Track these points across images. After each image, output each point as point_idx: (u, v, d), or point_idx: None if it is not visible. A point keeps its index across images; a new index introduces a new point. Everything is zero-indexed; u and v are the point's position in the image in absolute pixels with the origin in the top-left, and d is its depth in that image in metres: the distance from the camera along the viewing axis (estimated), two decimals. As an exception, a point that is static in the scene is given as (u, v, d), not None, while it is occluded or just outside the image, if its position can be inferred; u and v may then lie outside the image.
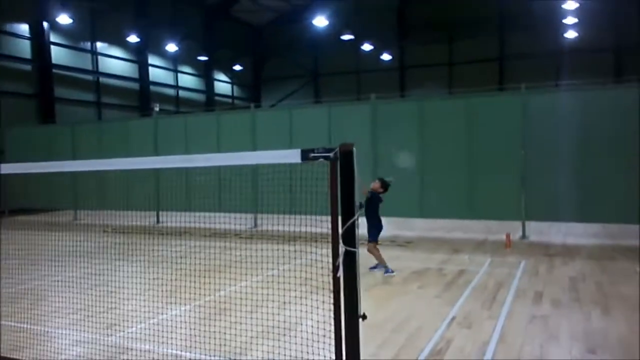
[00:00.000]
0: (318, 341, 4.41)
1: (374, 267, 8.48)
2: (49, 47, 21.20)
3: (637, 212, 10.08)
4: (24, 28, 20.60)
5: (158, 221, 15.53)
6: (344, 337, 2.36)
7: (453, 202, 11.57)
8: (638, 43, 24.77)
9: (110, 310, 6.67)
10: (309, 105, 17.88)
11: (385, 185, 8.42)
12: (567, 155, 10.73)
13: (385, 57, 31.15)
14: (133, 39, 25.44)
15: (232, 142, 14.08)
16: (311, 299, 6.67)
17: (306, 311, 6.10)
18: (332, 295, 2.83)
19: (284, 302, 6.40)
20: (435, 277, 7.94)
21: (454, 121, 11.64)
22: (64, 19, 21.49)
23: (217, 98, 32.80)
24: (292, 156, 2.22)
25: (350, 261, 2.34)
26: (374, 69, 31.33)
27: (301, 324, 5.64)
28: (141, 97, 26.46)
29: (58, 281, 8.27)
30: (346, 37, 26.85)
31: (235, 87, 35.62)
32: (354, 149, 2.23)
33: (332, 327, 2.68)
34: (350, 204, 2.24)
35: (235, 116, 15.00)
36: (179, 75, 30.05)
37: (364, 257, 8.96)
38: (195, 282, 8.06)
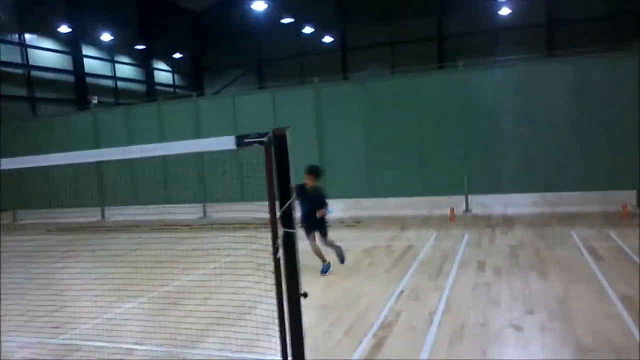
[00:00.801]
0: (273, 322, 4.49)
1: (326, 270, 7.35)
2: (-27, 41, 20.04)
3: (574, 180, 10.68)
4: (-58, 21, 19.36)
5: (103, 217, 15.14)
6: (287, 315, 2.43)
7: (400, 180, 11.86)
8: (569, 17, 25.89)
9: (60, 310, 6.50)
10: (252, 92, 17.73)
11: (320, 171, 7.37)
12: (507, 128, 11.20)
13: (327, 39, 31.17)
14: (64, 29, 24.38)
15: (175, 132, 13.83)
16: (266, 283, 6.76)
17: (261, 295, 6.17)
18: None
19: (240, 288, 6.44)
20: (384, 254, 8.16)
21: (398, 101, 11.87)
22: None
23: (158, 88, 31.97)
24: (227, 143, 2.26)
25: (289, 242, 2.41)
26: (317, 52, 31.32)
27: (256, 308, 5.71)
28: (77, 89, 25.44)
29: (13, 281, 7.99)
30: (286, 20, 26.68)
31: (176, 76, 34.80)
32: (287, 132, 2.29)
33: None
34: (286, 186, 2.30)
35: (178, 105, 14.71)
36: (116, 65, 29.05)
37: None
38: (148, 274, 7.94)
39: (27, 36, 23.09)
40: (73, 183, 15.00)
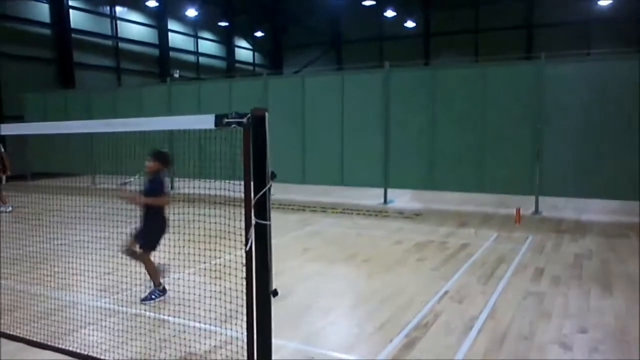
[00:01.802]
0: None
1: (149, 298, 5.73)
2: (68, 11, 21.20)
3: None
4: (42, -9, 20.62)
5: (172, 187, 15.62)
6: (254, 315, 2.25)
7: (465, 174, 11.31)
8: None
9: (111, 273, 6.74)
10: (321, 73, 17.57)
11: (164, 159, 5.91)
12: (587, 128, 10.34)
13: (409, 24, 30.33)
14: (152, 3, 25.27)
15: (244, 110, 13.94)
16: (310, 268, 6.66)
17: (300, 278, 6.10)
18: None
19: (282, 270, 6.39)
20: (436, 250, 7.81)
21: (469, 90, 11.27)
22: (82, -18, 21.47)
23: (238, 65, 32.57)
24: (206, 121, 2.11)
25: (262, 234, 2.22)
26: (397, 37, 30.61)
27: (294, 293, 5.61)
28: (161, 63, 26.41)
29: (63, 244, 8.42)
30: (368, 2, 26.17)
31: (256, 54, 35.28)
32: (267, 113, 2.10)
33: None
34: (262, 172, 2.10)
35: (248, 83, 14.83)
36: (199, 41, 29.84)
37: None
38: (203, 246, 8.12)
39: (118, 9, 24.14)
40: (143, 151, 15.54)
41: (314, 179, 13.22)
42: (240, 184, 2.71)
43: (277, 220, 9.93)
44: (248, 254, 2.22)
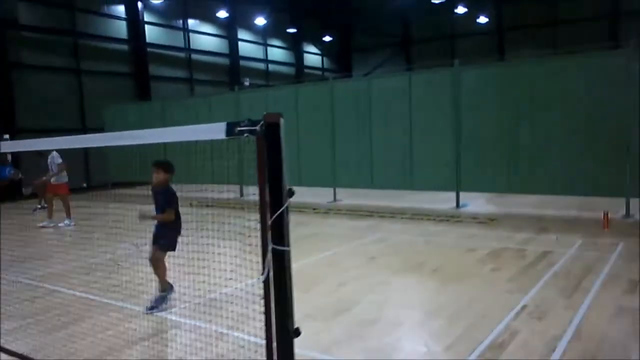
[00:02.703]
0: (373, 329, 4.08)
1: (154, 307, 5.71)
2: (144, 27, 22.09)
3: None
4: (120, 9, 21.58)
5: (242, 194, 15.77)
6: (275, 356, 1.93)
7: (546, 175, 10.49)
8: None
9: (174, 283, 6.75)
10: (387, 74, 17.13)
11: (169, 168, 5.98)
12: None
13: (482, 19, 29.15)
14: (223, 14, 25.87)
15: (311, 115, 13.84)
16: (373, 277, 6.31)
17: (364, 291, 5.78)
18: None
19: (344, 281, 6.13)
20: (514, 259, 7.21)
21: (549, 86, 10.46)
22: (156, -2, 22.31)
23: (306, 71, 32.69)
24: (217, 131, 1.85)
25: (280, 262, 1.90)
26: (470, 33, 29.52)
27: (357, 305, 5.32)
28: (231, 72, 26.96)
29: (131, 255, 8.57)
30: (437, 0, 25.40)
31: (325, 58, 35.30)
32: (282, 119, 1.80)
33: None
34: (278, 189, 1.80)
35: (314, 87, 14.67)
36: (268, 48, 30.23)
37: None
38: (256, 257, 8.01)
39: (190, 22, 24.89)
40: (214, 160, 15.81)
41: (382, 183, 12.83)
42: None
43: (343, 227, 9.74)
44: (266, 284, 1.92)
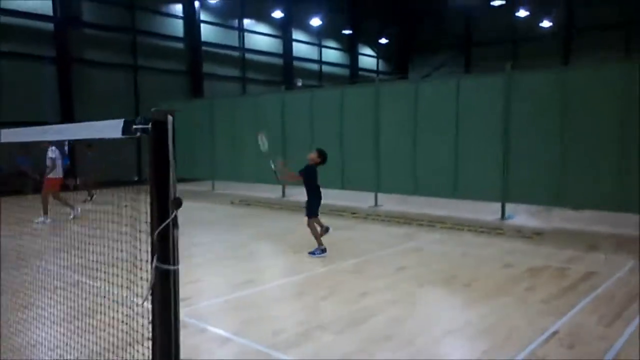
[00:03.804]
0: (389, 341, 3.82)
1: (313, 252, 7.82)
2: (199, 26, 22.51)
3: None
4: (178, 8, 22.08)
5: (284, 195, 15.71)
6: None
7: (599, 188, 9.76)
8: None
9: (196, 282, 6.70)
10: (435, 78, 16.60)
11: (322, 156, 7.94)
12: None
13: (545, 23, 27.92)
14: (278, 14, 26.01)
15: (356, 117, 13.58)
16: (400, 290, 6.00)
17: (385, 302, 5.49)
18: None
19: (367, 291, 5.88)
20: (553, 278, 6.70)
21: (606, 93, 9.74)
22: (213, -2, 22.68)
23: (361, 72, 32.41)
24: (113, 129, 1.65)
25: (164, 283, 1.63)
26: (532, 37, 28.32)
27: (374, 317, 5.05)
28: (284, 72, 27.07)
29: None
30: (497, 3, 24.51)
31: (380, 61, 34.90)
32: (170, 117, 1.57)
33: None
34: (164, 197, 1.55)
35: (361, 90, 14.38)
36: (323, 49, 30.17)
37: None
38: (292, 258, 7.87)
39: (246, 21, 25.17)
40: (259, 159, 15.85)
41: (425, 190, 12.38)
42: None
43: (379, 234, 9.42)
44: (153, 310, 1.66)
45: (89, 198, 14.90)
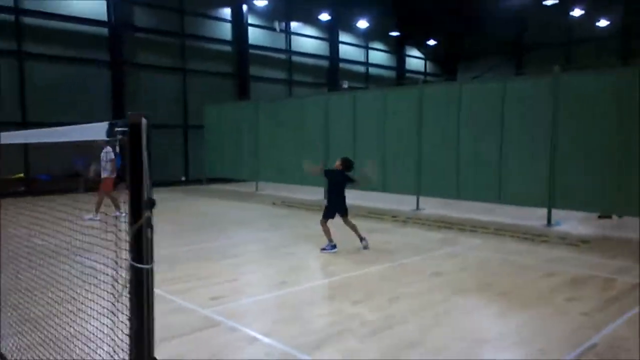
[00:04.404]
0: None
1: (324, 248, 8.39)
2: (247, 29, 22.87)
3: None
4: (226, 12, 22.52)
5: (325, 197, 15.70)
6: None
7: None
8: None
9: (234, 281, 6.81)
10: (480, 80, 16.23)
11: (345, 163, 8.53)
12: None
13: (602, 23, 26.80)
14: (325, 17, 26.10)
15: (398, 119, 13.45)
16: (435, 295, 5.89)
17: (418, 307, 5.40)
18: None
19: (395, 296, 5.80)
20: (597, 289, 6.40)
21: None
22: (260, 1, 22.97)
23: (408, 75, 32.09)
24: (98, 131, 1.68)
25: (139, 282, 1.64)
26: (588, 38, 27.26)
27: (403, 324, 4.97)
28: (330, 74, 27.13)
29: (202, 249, 8.81)
30: (550, 2, 23.72)
31: (428, 63, 34.45)
32: (145, 120, 1.57)
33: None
34: (137, 197, 1.56)
35: (403, 92, 14.22)
36: (370, 51, 30.06)
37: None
38: (327, 260, 7.88)
39: (293, 24, 25.39)
40: (301, 160, 15.94)
41: (469, 194, 12.13)
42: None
43: (417, 238, 9.30)
44: (134, 307, 1.67)
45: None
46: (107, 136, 1.68)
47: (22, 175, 16.49)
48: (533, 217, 11.23)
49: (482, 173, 11.70)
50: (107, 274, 2.60)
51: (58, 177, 15.23)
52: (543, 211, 10.91)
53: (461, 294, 6.16)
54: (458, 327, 5.12)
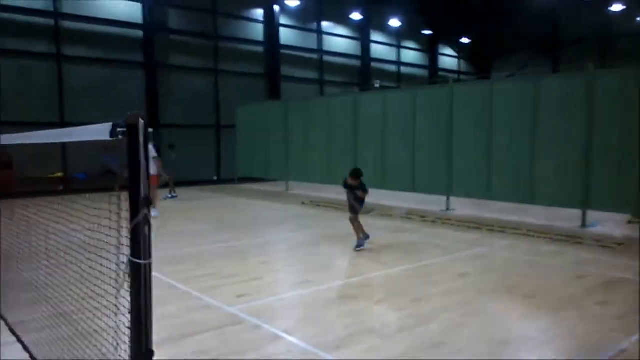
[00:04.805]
0: None
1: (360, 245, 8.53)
2: (279, 29, 23.04)
3: None
4: (258, 13, 22.74)
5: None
6: None
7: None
8: None
9: (258, 279, 6.89)
10: (511, 79, 15.90)
11: (355, 174, 8.50)
12: None
13: (643, 18, 25.96)
14: (356, 16, 26.07)
15: (428, 118, 13.34)
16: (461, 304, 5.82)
17: (433, 314, 5.34)
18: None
19: (417, 298, 5.76)
20: (630, 293, 6.21)
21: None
22: (292, 1, 23.11)
23: (441, 73, 31.76)
24: (102, 132, 1.73)
25: (137, 277, 1.69)
26: (627, 33, 26.42)
27: (428, 324, 4.94)
28: (362, 74, 27.09)
29: (229, 247, 8.94)
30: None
31: (461, 61, 34.01)
32: (142, 121, 1.60)
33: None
34: (136, 195, 1.61)
35: (433, 90, 14.08)
36: (402, 50, 29.87)
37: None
38: (354, 260, 7.89)
39: (324, 24, 25.45)
40: (332, 161, 16.01)
41: (500, 195, 11.93)
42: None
43: (445, 239, 9.22)
44: (135, 303, 1.73)
45: (169, 196, 15.71)
46: (110, 136, 1.75)
47: (60, 174, 17.03)
48: (567, 218, 10.97)
49: (515, 173, 11.49)
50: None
51: (94, 175, 15.68)
52: (578, 212, 10.64)
53: (486, 296, 6.08)
54: (482, 328, 5.06)
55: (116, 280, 1.89)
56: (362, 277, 7.04)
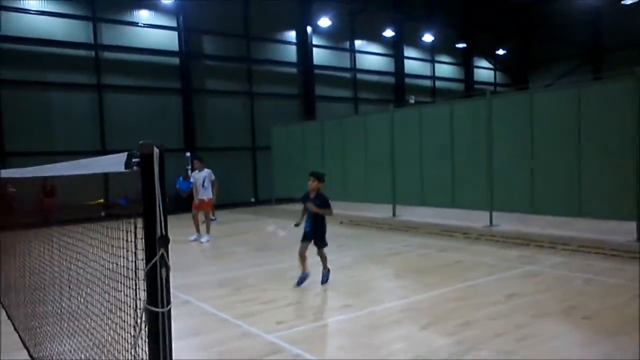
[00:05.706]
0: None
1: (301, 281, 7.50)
2: (312, 50, 23.10)
3: None
4: (291, 35, 22.89)
5: (394, 215, 15.40)
6: None
7: None
8: None
9: (294, 304, 6.69)
10: (552, 88, 15.36)
11: (322, 177, 7.58)
12: None
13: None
14: (389, 33, 25.94)
15: (466, 132, 13.00)
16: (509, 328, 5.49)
17: (486, 339, 5.04)
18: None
19: (464, 323, 5.45)
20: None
21: None
22: (324, 21, 23.18)
23: (477, 86, 31.16)
24: (117, 163, 1.56)
25: (153, 328, 1.46)
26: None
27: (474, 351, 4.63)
28: (396, 90, 26.84)
29: (267, 271, 8.78)
30: (629, 1, 22.32)
31: (498, 73, 33.33)
32: (157, 150, 1.42)
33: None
34: (151, 233, 1.41)
35: (470, 103, 13.73)
36: (436, 65, 29.50)
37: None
38: (394, 282, 7.61)
39: (357, 42, 25.41)
40: (370, 179, 15.78)
41: (545, 208, 11.43)
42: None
43: (491, 256, 8.83)
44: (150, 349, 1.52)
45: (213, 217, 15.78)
46: (125, 167, 1.61)
47: (102, 200, 17.36)
48: (619, 231, 10.38)
49: (560, 185, 11.00)
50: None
51: (133, 200, 16.00)
52: (630, 225, 10.05)
53: (540, 318, 5.70)
54: (537, 354, 4.71)
55: (134, 328, 1.71)
56: (406, 300, 6.75)
